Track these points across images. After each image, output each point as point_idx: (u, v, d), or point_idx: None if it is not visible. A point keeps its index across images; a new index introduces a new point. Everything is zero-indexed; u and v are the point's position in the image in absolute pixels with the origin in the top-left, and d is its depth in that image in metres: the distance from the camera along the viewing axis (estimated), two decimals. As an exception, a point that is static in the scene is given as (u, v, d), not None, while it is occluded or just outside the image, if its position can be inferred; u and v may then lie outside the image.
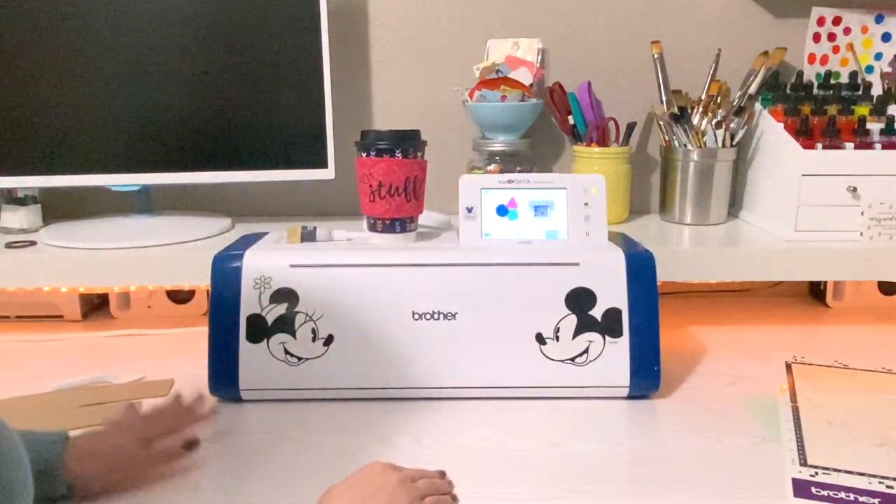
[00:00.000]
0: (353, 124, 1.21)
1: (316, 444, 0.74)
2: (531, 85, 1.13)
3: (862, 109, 1.05)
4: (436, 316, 0.82)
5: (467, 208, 0.88)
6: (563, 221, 0.88)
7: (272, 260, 0.84)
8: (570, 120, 1.16)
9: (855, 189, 0.98)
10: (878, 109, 1.05)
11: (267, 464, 0.71)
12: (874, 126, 1.02)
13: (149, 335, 1.08)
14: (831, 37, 1.18)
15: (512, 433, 0.76)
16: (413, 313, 0.82)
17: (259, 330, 0.82)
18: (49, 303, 1.13)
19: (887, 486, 0.65)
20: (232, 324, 0.82)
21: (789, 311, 1.19)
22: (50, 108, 1.04)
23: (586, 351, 0.82)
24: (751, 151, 1.14)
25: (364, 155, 0.87)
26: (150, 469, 0.68)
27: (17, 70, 1.03)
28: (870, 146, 1.01)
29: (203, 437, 0.76)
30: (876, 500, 0.63)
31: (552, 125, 1.23)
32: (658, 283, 0.84)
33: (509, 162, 1.14)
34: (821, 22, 1.17)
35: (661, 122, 1.14)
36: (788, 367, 0.94)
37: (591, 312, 0.82)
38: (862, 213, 0.99)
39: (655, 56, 1.14)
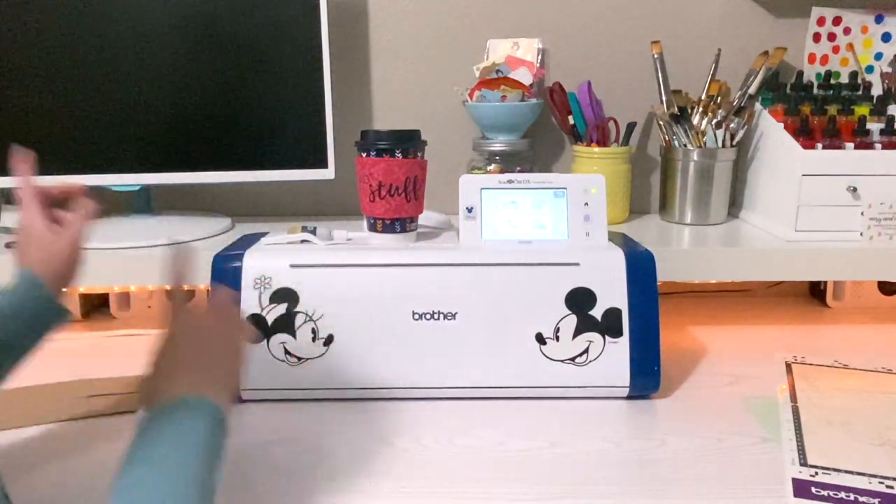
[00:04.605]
0: (353, 124, 1.21)
1: (316, 444, 0.74)
2: (531, 85, 1.13)
3: (862, 109, 1.05)
4: (436, 316, 0.82)
5: (467, 208, 0.88)
6: (563, 221, 0.88)
7: (272, 260, 0.84)
8: (570, 120, 1.16)
9: (855, 189, 0.98)
10: (878, 109, 1.05)
11: (267, 464, 0.71)
12: (874, 126, 1.02)
13: (149, 335, 1.08)
14: (831, 37, 1.18)
15: (512, 433, 0.76)
16: (413, 313, 0.82)
17: (259, 330, 0.82)
18: (49, 303, 1.13)
19: (887, 486, 0.65)
20: (232, 324, 0.82)
21: (789, 311, 1.19)
22: (50, 109, 1.04)
23: (586, 351, 0.82)
24: (751, 151, 1.14)
25: (364, 155, 0.87)
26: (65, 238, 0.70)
27: (16, 70, 1.03)
28: (870, 146, 1.01)
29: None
30: (876, 500, 0.63)
31: (552, 125, 1.23)
32: (658, 283, 0.84)
33: (509, 162, 1.14)
34: (821, 22, 1.17)
35: (661, 122, 1.14)
36: (788, 367, 0.94)
37: (591, 312, 0.82)
38: (862, 213, 0.99)
39: (655, 56, 1.14)
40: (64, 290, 0.70)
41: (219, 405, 0.55)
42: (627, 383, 0.82)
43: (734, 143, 1.11)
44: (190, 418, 0.53)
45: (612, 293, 0.83)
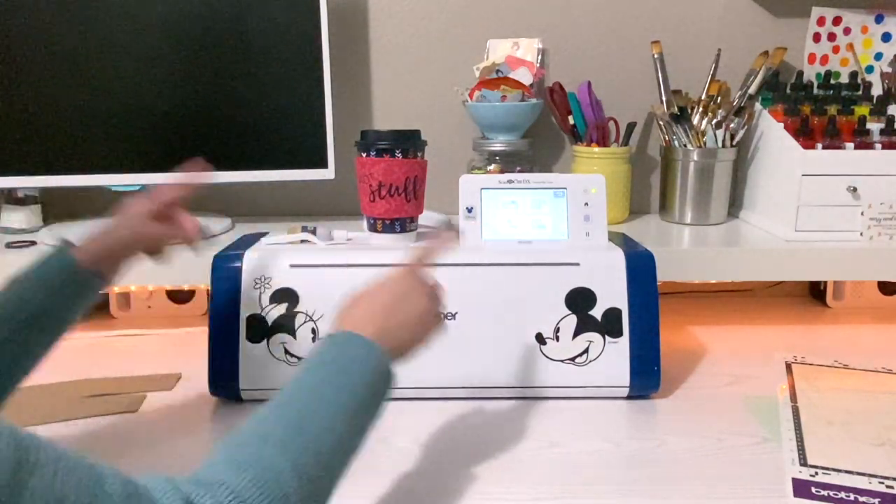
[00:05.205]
0: (353, 124, 1.21)
1: (316, 444, 0.74)
2: (531, 85, 1.13)
3: (862, 109, 1.05)
4: (436, 316, 0.82)
5: (467, 208, 0.88)
6: (563, 221, 0.88)
7: (272, 260, 0.84)
8: (570, 120, 1.16)
9: (855, 189, 0.98)
10: (878, 109, 1.05)
11: (267, 464, 0.70)
12: (874, 126, 1.02)
13: (149, 335, 1.08)
14: (831, 37, 1.18)
15: (512, 433, 0.76)
16: (413, 313, 0.82)
17: (259, 330, 0.82)
18: (49, 303, 1.12)
19: (887, 486, 0.65)
20: (232, 324, 0.82)
21: (789, 311, 1.19)
22: (50, 109, 1.04)
23: (586, 351, 0.82)
24: (751, 151, 1.14)
25: (364, 155, 0.87)
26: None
27: (17, 71, 1.03)
28: (870, 146, 1.01)
29: (204, 438, 0.76)
30: (876, 500, 0.63)
31: (552, 125, 1.23)
32: (658, 283, 0.84)
33: (509, 162, 1.14)
34: (821, 22, 1.17)
35: (661, 122, 1.14)
36: (788, 367, 0.94)
37: (591, 312, 0.82)
38: (862, 213, 0.99)
39: (655, 56, 1.14)
40: (110, 268, 0.71)
41: (386, 357, 0.57)
42: (627, 383, 0.82)
43: (734, 143, 1.11)
44: (355, 350, 0.56)
45: (612, 293, 0.83)
